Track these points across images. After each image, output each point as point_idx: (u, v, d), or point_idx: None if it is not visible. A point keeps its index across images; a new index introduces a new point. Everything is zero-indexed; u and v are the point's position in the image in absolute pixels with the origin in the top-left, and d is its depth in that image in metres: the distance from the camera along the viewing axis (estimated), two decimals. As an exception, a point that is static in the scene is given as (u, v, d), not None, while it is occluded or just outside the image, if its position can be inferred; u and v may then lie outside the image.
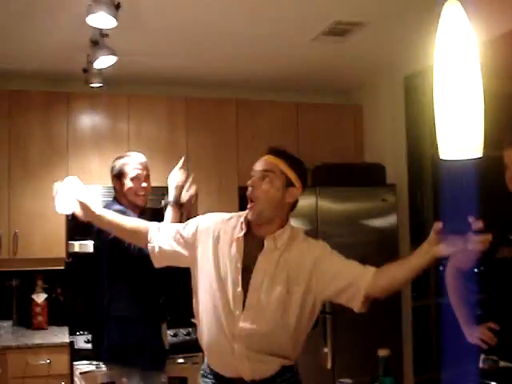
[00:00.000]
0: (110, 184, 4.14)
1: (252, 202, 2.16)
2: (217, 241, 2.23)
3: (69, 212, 2.17)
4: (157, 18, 3.33)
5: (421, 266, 1.98)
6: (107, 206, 2.99)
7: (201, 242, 2.26)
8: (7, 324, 4.15)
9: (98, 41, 3.30)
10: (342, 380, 2.10)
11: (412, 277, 2.05)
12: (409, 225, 4.64)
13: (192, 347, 3.90)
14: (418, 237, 5.02)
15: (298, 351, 2.29)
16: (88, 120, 4.28)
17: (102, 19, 2.76)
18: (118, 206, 3.05)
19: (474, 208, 2.82)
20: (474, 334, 2.58)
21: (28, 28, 3.41)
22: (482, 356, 2.50)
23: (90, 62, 3.52)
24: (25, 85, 4.27)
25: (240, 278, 2.15)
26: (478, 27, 1.54)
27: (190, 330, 4.01)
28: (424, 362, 4.93)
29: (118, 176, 3.21)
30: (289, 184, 2.19)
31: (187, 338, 4.00)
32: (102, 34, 3.25)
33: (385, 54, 4.15)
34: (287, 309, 2.15)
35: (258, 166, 2.19)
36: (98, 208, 2.32)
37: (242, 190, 4.39)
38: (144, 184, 3.20)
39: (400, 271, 2.09)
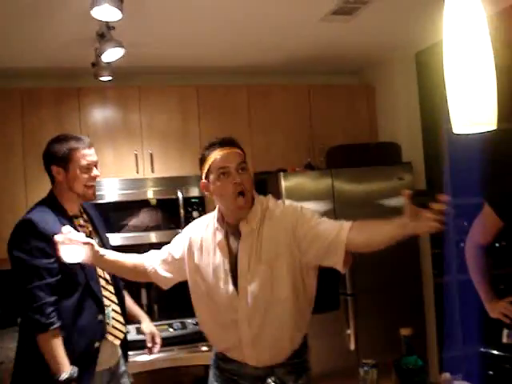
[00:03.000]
0: (126, 177, 4.19)
1: (243, 195, 2.14)
2: (200, 251, 2.28)
3: (79, 260, 2.05)
4: (162, 8, 3.30)
5: (399, 236, 1.94)
6: (35, 213, 2.50)
7: (189, 255, 2.31)
8: None
9: (105, 34, 3.29)
10: (365, 361, 2.09)
11: (388, 243, 2.02)
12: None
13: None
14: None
15: (303, 333, 2.30)
16: (100, 114, 4.28)
17: (106, 12, 2.75)
18: (45, 214, 2.49)
19: (490, 181, 2.80)
20: (496, 309, 2.56)
21: (34, 26, 3.41)
22: (506, 331, 2.48)
23: (98, 56, 3.52)
24: (36, 83, 4.29)
25: (230, 277, 2.20)
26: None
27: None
28: (448, 340, 4.91)
29: (64, 162, 2.55)
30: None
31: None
32: (109, 26, 3.24)
33: (395, 31, 4.08)
34: (277, 285, 2.16)
35: (232, 160, 2.15)
36: (101, 249, 2.30)
37: (257, 176, 4.42)
38: (96, 172, 2.61)
39: (378, 235, 2.07)
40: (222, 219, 2.24)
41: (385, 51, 4.58)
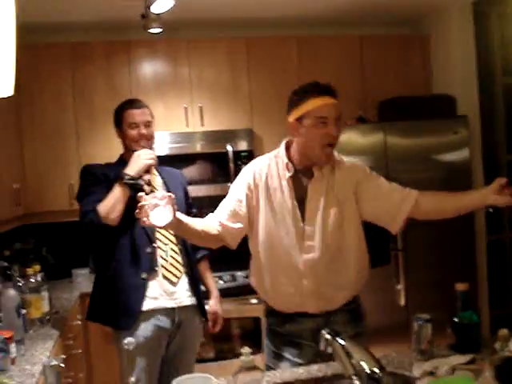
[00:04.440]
0: (176, 130, 4.19)
1: (332, 146, 2.20)
2: (266, 189, 2.26)
3: (164, 223, 1.98)
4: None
5: (472, 206, 2.21)
6: (109, 168, 2.81)
7: (254, 195, 2.28)
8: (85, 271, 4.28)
9: (155, -16, 3.25)
10: (419, 315, 2.06)
11: (460, 213, 2.20)
12: (481, 158, 4.47)
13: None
14: (492, 170, 4.86)
15: (362, 282, 2.35)
16: (149, 67, 4.27)
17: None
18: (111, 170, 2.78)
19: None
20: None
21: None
22: None
23: (148, 7, 3.49)
24: (85, 37, 4.29)
25: (298, 212, 2.22)
26: None
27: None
28: (500, 298, 4.84)
29: (117, 123, 2.89)
30: None
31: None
32: (158, -24, 3.20)
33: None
34: (344, 230, 2.24)
35: (332, 112, 2.17)
36: (183, 216, 2.18)
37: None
38: (143, 131, 2.80)
39: (451, 203, 2.21)
40: (290, 160, 2.26)
41: (440, 0, 4.40)
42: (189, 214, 2.85)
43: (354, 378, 1.48)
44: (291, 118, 2.22)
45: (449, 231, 4.16)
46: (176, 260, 2.75)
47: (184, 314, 2.76)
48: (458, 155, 4.20)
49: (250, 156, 4.21)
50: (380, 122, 4.20)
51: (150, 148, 2.85)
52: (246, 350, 1.56)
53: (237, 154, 4.20)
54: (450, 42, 4.54)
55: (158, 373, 2.73)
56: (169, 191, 2.62)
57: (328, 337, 1.60)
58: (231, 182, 4.06)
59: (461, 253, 4.20)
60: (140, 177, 2.71)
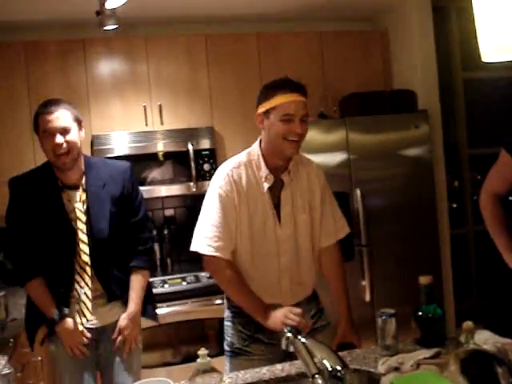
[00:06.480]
0: (135, 129, 4.10)
1: (297, 142, 2.22)
2: (247, 195, 2.27)
3: None
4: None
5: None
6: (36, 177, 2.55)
7: (237, 207, 2.28)
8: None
9: (108, -21, 3.17)
10: (383, 310, 2.04)
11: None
12: (443, 152, 4.49)
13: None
14: (454, 164, 4.90)
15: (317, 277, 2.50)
16: (106, 65, 4.17)
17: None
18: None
19: (508, 127, 2.69)
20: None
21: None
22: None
23: (103, 4, 3.40)
24: (39, 35, 4.16)
25: (276, 218, 2.30)
26: None
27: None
28: (464, 291, 4.88)
29: (36, 130, 2.51)
30: None
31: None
32: (112, -29, 3.12)
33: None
34: (312, 234, 2.39)
35: (298, 110, 2.19)
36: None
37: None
38: (58, 140, 2.40)
39: (332, 285, 2.47)
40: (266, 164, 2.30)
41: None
42: (137, 229, 2.64)
43: (317, 376, 1.43)
44: (259, 111, 2.25)
45: (412, 226, 4.18)
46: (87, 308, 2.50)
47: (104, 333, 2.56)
48: (419, 150, 4.21)
49: (211, 155, 4.15)
50: (341, 118, 4.18)
51: (75, 156, 2.47)
52: (202, 351, 1.50)
53: (198, 152, 4.13)
54: (410, 37, 4.54)
55: (94, 379, 2.56)
56: (89, 213, 2.49)
57: (289, 335, 1.55)
58: (193, 182, 4.08)
59: (425, 247, 4.21)
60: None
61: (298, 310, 2.12)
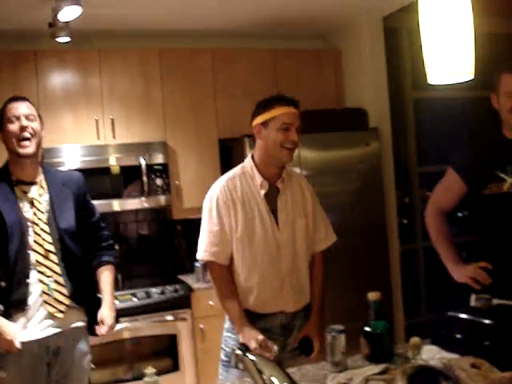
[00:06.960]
0: (87, 143, 4.05)
1: (292, 150, 2.44)
2: (243, 204, 2.46)
3: None
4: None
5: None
6: None
7: (233, 215, 2.46)
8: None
9: (62, -9, 3.14)
10: (332, 327, 2.05)
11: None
12: (393, 169, 4.58)
13: (179, 304, 3.88)
14: (403, 181, 5.00)
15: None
16: (58, 78, 4.10)
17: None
18: None
19: (459, 146, 2.78)
20: (464, 274, 2.53)
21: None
22: (474, 295, 2.46)
23: (56, 15, 3.37)
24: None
25: (274, 223, 2.47)
26: None
27: (177, 286, 3.96)
28: (413, 306, 4.96)
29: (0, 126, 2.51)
30: None
31: (175, 294, 3.93)
32: (65, -17, 3.09)
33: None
34: (307, 239, 2.56)
35: (295, 120, 2.43)
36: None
37: (223, 143, 4.33)
38: (25, 123, 2.46)
39: (313, 287, 2.62)
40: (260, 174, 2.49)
41: (351, 15, 4.50)
42: (96, 229, 2.69)
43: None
44: (256, 122, 2.46)
45: (362, 242, 4.23)
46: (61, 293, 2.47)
47: (62, 340, 2.48)
48: (370, 167, 4.28)
49: (164, 169, 4.13)
50: (294, 135, 4.21)
51: (37, 149, 2.49)
52: (149, 370, 1.49)
53: (150, 167, 4.10)
54: (362, 56, 4.64)
55: None
56: (52, 204, 2.49)
57: (239, 352, 1.55)
58: (145, 196, 4.04)
59: (375, 263, 4.27)
60: None
61: (267, 344, 2.31)
